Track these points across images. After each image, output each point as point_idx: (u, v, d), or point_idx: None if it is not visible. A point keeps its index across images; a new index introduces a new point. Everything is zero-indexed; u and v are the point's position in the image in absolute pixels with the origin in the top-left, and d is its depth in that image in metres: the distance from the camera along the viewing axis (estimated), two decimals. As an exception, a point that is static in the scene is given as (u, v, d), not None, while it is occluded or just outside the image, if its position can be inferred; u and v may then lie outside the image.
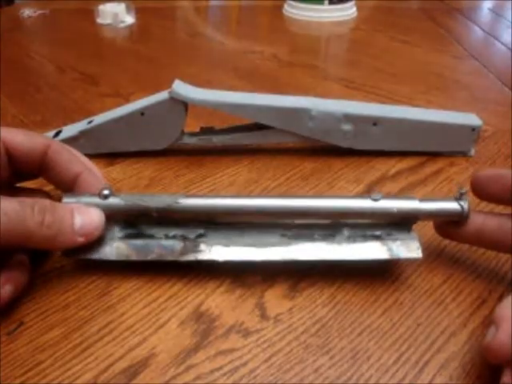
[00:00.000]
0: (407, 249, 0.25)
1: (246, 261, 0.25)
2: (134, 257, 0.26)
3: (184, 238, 0.26)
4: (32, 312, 0.24)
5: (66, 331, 0.23)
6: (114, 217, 0.26)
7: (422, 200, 0.26)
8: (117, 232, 0.26)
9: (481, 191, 0.25)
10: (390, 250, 0.25)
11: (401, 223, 0.26)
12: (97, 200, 0.25)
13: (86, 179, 0.27)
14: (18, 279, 0.24)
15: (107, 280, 0.26)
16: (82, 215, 0.24)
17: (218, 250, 0.26)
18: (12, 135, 0.25)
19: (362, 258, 0.25)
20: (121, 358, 0.22)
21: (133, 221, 0.26)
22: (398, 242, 0.26)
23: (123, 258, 0.25)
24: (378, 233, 0.26)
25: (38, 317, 0.24)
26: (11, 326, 0.24)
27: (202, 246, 0.26)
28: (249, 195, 0.27)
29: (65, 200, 0.25)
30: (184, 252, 0.26)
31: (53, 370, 0.22)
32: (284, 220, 0.27)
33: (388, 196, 0.26)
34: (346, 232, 0.26)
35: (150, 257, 0.25)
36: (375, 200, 0.25)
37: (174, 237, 0.26)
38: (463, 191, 0.25)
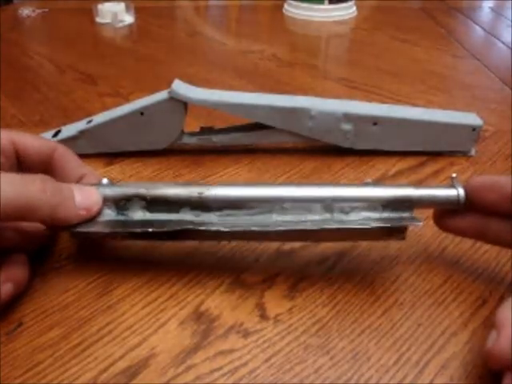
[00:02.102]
0: (406, 220, 0.25)
1: (245, 231, 0.24)
2: (117, 229, 0.25)
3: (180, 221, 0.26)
4: (31, 312, 0.24)
5: (66, 331, 0.23)
6: (106, 201, 0.26)
7: (417, 187, 0.25)
8: (106, 216, 0.26)
9: (476, 200, 0.24)
10: (389, 220, 0.25)
11: (397, 209, 0.25)
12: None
13: (89, 181, 0.27)
14: (17, 278, 0.24)
15: (107, 280, 0.26)
16: (81, 192, 0.25)
17: (216, 224, 0.25)
18: (22, 138, 0.26)
19: (361, 226, 0.24)
20: (120, 358, 0.22)
21: (124, 208, 0.26)
22: (397, 216, 0.25)
23: (106, 230, 0.25)
24: (374, 216, 0.25)
25: (37, 317, 0.24)
26: (10, 326, 0.24)
27: (202, 218, 0.25)
28: (240, 183, 0.26)
29: None
30: (171, 225, 0.25)
31: (52, 370, 0.22)
32: (274, 205, 0.26)
33: (382, 183, 0.26)
34: (337, 216, 0.25)
35: (135, 229, 0.25)
36: (366, 184, 0.25)
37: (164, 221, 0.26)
38: (454, 175, 0.25)
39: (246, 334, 0.23)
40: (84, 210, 0.24)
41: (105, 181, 0.26)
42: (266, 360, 0.22)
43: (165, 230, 0.24)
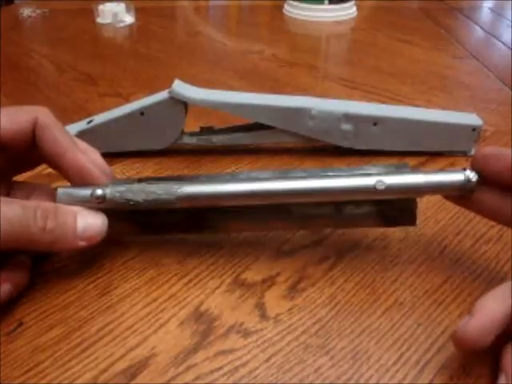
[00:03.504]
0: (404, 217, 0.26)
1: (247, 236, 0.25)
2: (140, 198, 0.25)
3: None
4: (32, 312, 0.24)
5: (66, 331, 0.23)
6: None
7: (426, 173, 0.25)
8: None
9: (481, 169, 0.24)
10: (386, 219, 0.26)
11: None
12: (87, 195, 0.25)
13: (74, 158, 0.25)
14: (17, 279, 0.24)
15: (107, 280, 0.26)
16: (85, 219, 0.24)
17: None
18: None
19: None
20: (121, 358, 0.22)
21: None
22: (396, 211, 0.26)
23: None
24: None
25: (37, 317, 0.24)
26: (11, 326, 0.24)
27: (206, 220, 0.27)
28: (246, 177, 0.26)
29: (59, 192, 0.25)
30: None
31: (52, 370, 0.22)
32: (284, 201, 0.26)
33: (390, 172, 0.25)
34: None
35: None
36: (380, 187, 0.24)
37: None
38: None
39: (246, 334, 0.23)
40: (85, 241, 0.24)
41: (99, 192, 0.25)
42: (266, 360, 0.22)
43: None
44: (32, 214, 0.22)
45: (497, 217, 0.25)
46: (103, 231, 0.25)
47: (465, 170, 0.24)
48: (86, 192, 0.25)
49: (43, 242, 0.22)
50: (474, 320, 0.19)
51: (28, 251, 0.25)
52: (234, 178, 0.27)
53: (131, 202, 0.25)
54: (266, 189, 0.25)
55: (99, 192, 0.25)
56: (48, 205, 0.23)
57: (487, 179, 0.24)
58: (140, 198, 0.25)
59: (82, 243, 0.24)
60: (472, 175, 0.24)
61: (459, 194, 0.25)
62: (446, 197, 0.26)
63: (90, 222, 0.24)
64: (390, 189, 0.24)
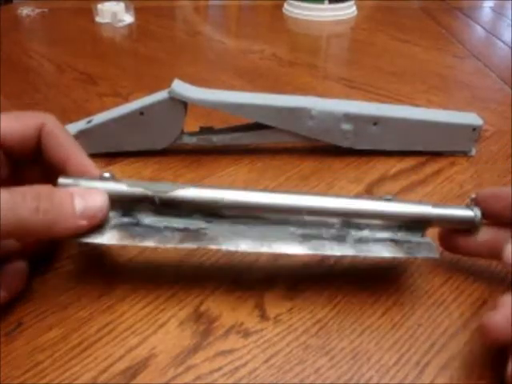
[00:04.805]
0: (423, 249, 0.25)
1: (249, 252, 0.24)
2: (128, 242, 0.24)
3: (185, 229, 0.25)
4: (31, 312, 0.24)
5: (65, 332, 0.23)
6: (112, 203, 0.24)
7: (434, 205, 0.25)
8: (113, 220, 0.24)
9: (482, 210, 0.25)
10: (404, 250, 0.25)
11: (412, 228, 0.25)
12: (97, 183, 0.24)
13: (79, 164, 0.25)
14: (13, 286, 0.24)
15: (106, 280, 0.26)
16: (84, 197, 0.23)
17: (221, 241, 0.24)
18: (3, 124, 0.24)
19: (375, 255, 0.24)
20: (120, 358, 0.22)
21: (131, 209, 0.25)
22: (413, 244, 0.25)
23: (115, 242, 0.24)
24: (389, 235, 0.25)
25: (36, 317, 0.24)
26: (10, 326, 0.23)
27: (205, 236, 0.24)
28: (256, 189, 0.26)
29: (60, 180, 0.24)
30: (184, 240, 0.24)
31: (52, 370, 0.22)
32: (292, 216, 0.25)
33: (400, 199, 0.26)
34: (354, 233, 0.25)
35: (147, 243, 0.24)
36: (387, 200, 0.25)
37: (174, 228, 0.25)
38: (473, 197, 0.25)
39: (246, 335, 0.23)
40: (85, 219, 0.23)
41: (107, 174, 0.24)
42: (266, 360, 0.22)
43: (178, 245, 0.24)
44: (20, 197, 0.21)
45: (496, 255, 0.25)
46: (105, 208, 0.23)
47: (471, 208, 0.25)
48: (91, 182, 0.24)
49: (39, 224, 0.21)
50: (500, 313, 0.20)
51: (26, 251, 0.25)
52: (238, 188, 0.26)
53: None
54: (279, 202, 0.25)
55: (107, 175, 0.24)
56: (41, 188, 0.22)
57: (490, 220, 0.25)
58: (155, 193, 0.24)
59: (83, 222, 0.22)
60: (478, 213, 0.25)
61: (466, 228, 0.25)
62: (447, 248, 0.27)
63: (90, 200, 0.23)
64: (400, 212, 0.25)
